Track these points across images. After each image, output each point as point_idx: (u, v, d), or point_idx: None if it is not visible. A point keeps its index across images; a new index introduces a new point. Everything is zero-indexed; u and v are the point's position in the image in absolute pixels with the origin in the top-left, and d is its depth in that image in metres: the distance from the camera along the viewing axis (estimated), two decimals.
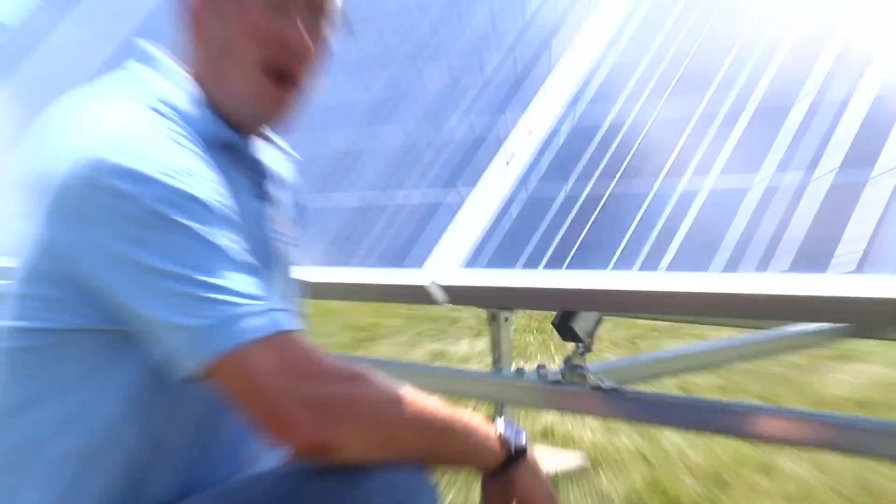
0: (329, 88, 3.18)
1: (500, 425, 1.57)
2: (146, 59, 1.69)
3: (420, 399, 1.48)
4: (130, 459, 1.58)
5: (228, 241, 1.45)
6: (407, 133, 2.77)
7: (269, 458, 1.60)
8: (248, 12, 1.65)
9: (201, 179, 1.47)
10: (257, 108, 1.67)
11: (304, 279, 2.08)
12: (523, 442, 1.61)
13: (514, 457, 1.58)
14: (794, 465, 3.77)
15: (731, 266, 1.89)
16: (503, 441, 1.58)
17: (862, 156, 1.89)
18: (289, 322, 1.42)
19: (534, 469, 1.64)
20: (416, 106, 2.84)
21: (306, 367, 1.42)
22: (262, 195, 1.74)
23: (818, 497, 3.52)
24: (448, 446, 1.55)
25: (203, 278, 1.41)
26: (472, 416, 1.54)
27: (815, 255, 1.80)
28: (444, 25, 3.06)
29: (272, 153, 1.81)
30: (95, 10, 5.28)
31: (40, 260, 1.52)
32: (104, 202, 1.42)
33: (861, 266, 1.73)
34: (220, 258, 1.44)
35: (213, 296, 1.40)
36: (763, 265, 1.84)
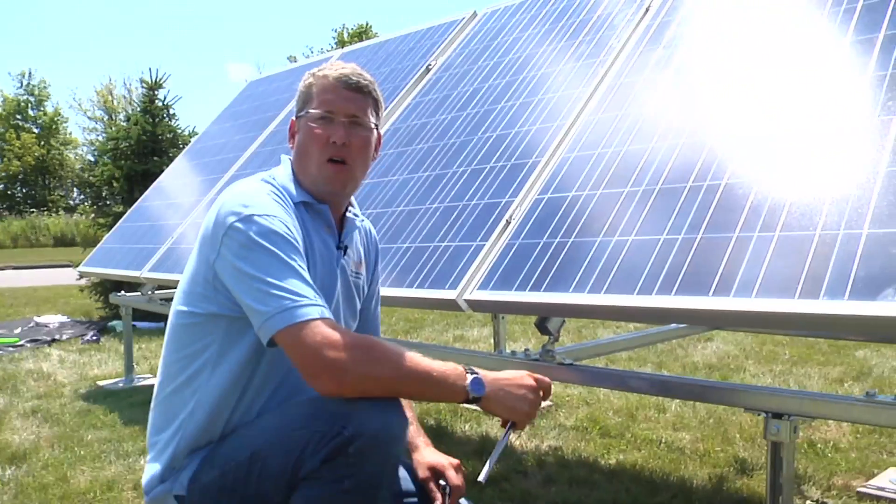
0: (396, 178, 3.20)
1: (468, 377, 1.60)
2: (282, 160, 1.93)
3: (406, 357, 1.57)
4: (245, 389, 1.74)
5: (291, 259, 1.62)
6: (445, 205, 2.86)
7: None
8: (309, 125, 1.82)
9: (281, 222, 1.67)
10: (323, 182, 1.82)
11: (382, 295, 2.06)
12: (481, 392, 1.61)
13: (473, 400, 1.61)
14: (677, 406, 4.12)
15: (646, 290, 2.02)
16: (466, 389, 1.59)
17: (724, 221, 1.91)
18: (322, 313, 1.56)
19: (495, 400, 1.63)
20: (451, 188, 2.93)
21: (328, 340, 1.52)
22: (335, 242, 1.87)
23: (689, 425, 3.81)
24: (424, 389, 1.60)
25: (275, 281, 1.58)
26: (448, 368, 1.61)
27: (697, 284, 1.93)
28: (469, 140, 3.06)
29: (349, 217, 1.93)
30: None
31: (197, 268, 1.74)
32: (228, 233, 1.65)
33: (725, 290, 1.85)
34: (288, 270, 1.61)
35: (279, 293, 1.57)
36: (664, 290, 1.99)
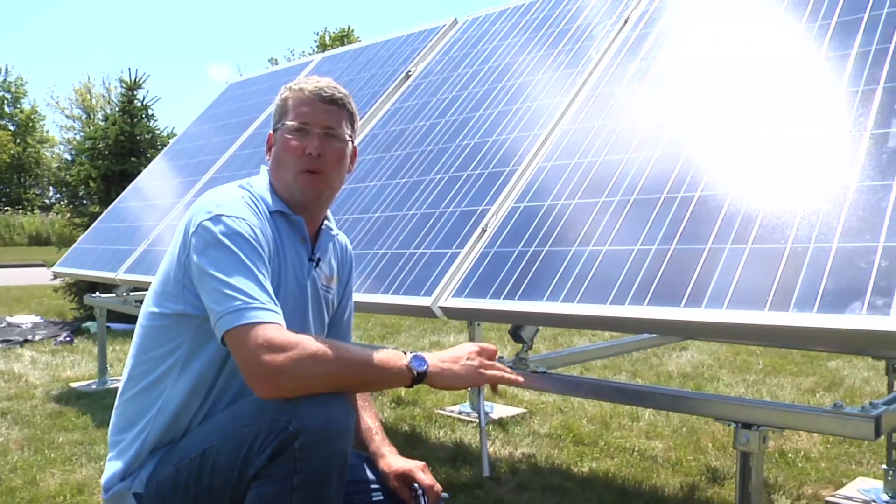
0: (373, 184, 3.21)
1: (408, 356, 1.66)
2: (261, 170, 1.95)
3: (344, 351, 1.60)
4: (209, 390, 1.76)
5: (252, 264, 1.64)
6: (422, 212, 2.87)
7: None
8: (286, 137, 1.85)
9: (249, 226, 1.69)
10: (298, 192, 1.85)
11: (357, 301, 2.07)
12: (424, 367, 1.66)
13: (419, 378, 1.65)
14: (650, 414, 4.15)
15: (619, 300, 2.04)
16: (409, 368, 1.65)
17: (697, 233, 1.93)
18: (272, 318, 1.58)
19: (439, 376, 1.68)
20: (428, 195, 2.95)
21: (268, 344, 1.53)
22: (307, 254, 1.89)
23: (662, 433, 3.84)
24: (365, 379, 1.64)
25: (230, 281, 1.61)
26: (388, 353, 1.65)
27: (669, 295, 1.95)
28: (447, 147, 3.08)
29: (324, 230, 1.96)
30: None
31: (169, 268, 1.77)
32: (197, 231, 1.68)
33: (697, 302, 1.87)
34: (245, 272, 1.63)
35: (232, 293, 1.60)
36: (637, 300, 2.01)
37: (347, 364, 1.59)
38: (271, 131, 1.90)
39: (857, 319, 1.59)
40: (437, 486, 1.82)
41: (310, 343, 1.56)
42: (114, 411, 1.82)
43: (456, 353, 1.74)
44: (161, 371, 1.74)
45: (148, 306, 1.79)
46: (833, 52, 2.26)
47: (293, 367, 1.52)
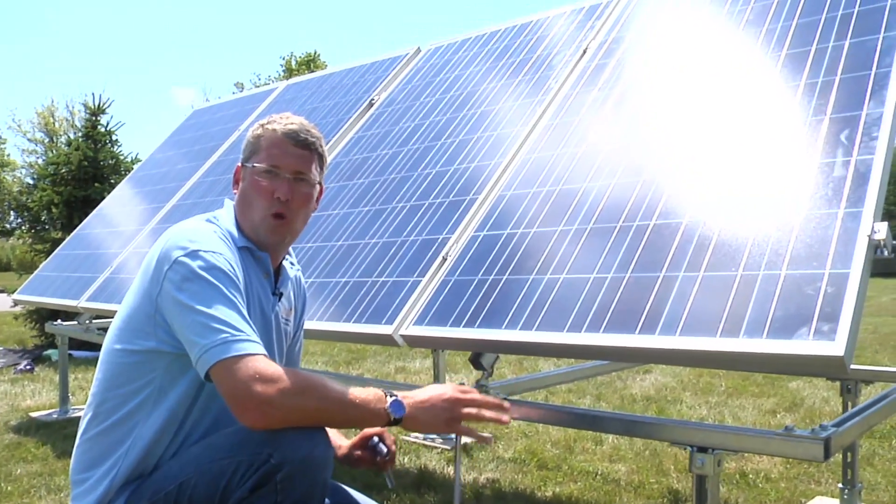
0: (336, 213, 3.23)
1: (388, 400, 1.65)
2: (225, 204, 1.95)
3: (328, 387, 1.60)
4: (182, 424, 1.74)
5: (233, 295, 1.65)
6: (384, 240, 2.88)
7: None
8: (255, 178, 1.85)
9: (226, 260, 1.70)
10: (264, 233, 1.85)
11: (319, 329, 2.08)
12: (401, 414, 1.65)
13: (394, 422, 1.66)
14: (614, 438, 4.19)
15: (575, 328, 2.07)
16: (387, 412, 1.64)
17: (651, 261, 1.99)
18: (257, 349, 1.58)
19: (413, 419, 1.66)
20: (390, 224, 2.96)
21: (259, 375, 1.53)
22: (271, 289, 1.91)
23: (625, 457, 3.89)
24: (347, 416, 1.63)
25: (215, 314, 1.60)
26: (368, 394, 1.64)
27: (625, 322, 1.98)
28: (409, 176, 3.10)
29: (286, 265, 1.99)
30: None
31: (138, 304, 1.74)
32: (172, 267, 1.66)
33: (651, 329, 1.91)
34: (228, 305, 1.63)
35: (218, 326, 1.59)
36: (593, 328, 2.05)
37: (332, 400, 1.59)
38: (240, 164, 1.90)
39: (804, 345, 1.64)
40: (389, 436, 1.87)
41: (297, 376, 1.57)
42: (76, 448, 1.79)
43: (434, 397, 1.69)
44: (131, 407, 1.72)
45: (113, 342, 1.77)
46: (784, 83, 2.33)
47: (284, 399, 1.52)
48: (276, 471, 1.51)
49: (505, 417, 1.76)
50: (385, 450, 1.86)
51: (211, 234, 1.73)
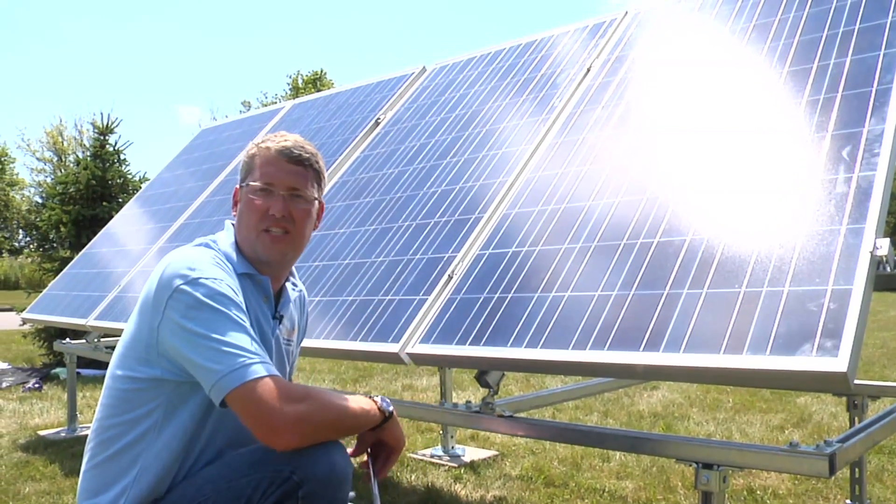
0: (343, 231, 3.25)
1: (378, 399, 1.74)
2: (226, 226, 1.95)
3: (336, 399, 1.64)
4: (191, 449, 1.75)
5: (240, 319, 1.65)
6: (390, 259, 2.90)
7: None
8: (250, 196, 1.85)
9: (228, 286, 1.70)
10: (261, 251, 1.85)
11: (326, 348, 2.09)
12: (390, 408, 1.76)
13: (387, 418, 1.74)
14: (621, 455, 4.18)
15: (580, 345, 2.07)
16: (380, 410, 1.73)
17: (655, 278, 2.00)
18: (269, 370, 1.59)
19: (395, 422, 1.78)
20: (396, 243, 2.98)
21: (284, 395, 1.55)
22: (271, 312, 1.91)
23: (632, 474, 3.87)
24: (355, 425, 1.69)
25: (225, 339, 1.60)
26: (361, 400, 1.71)
27: (629, 339, 1.99)
28: (414, 195, 3.12)
29: (288, 286, 1.98)
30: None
31: (138, 333, 1.73)
32: (174, 296, 1.65)
33: (655, 346, 1.93)
34: (236, 328, 1.64)
35: (231, 350, 1.59)
36: (598, 345, 2.05)
37: (348, 412, 1.63)
38: (238, 186, 1.91)
39: (807, 361, 1.65)
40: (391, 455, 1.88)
41: (311, 391, 1.60)
42: (83, 475, 1.78)
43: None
44: (136, 434, 1.71)
45: (115, 367, 1.77)
46: (786, 100, 2.35)
47: (313, 415, 1.56)
48: (297, 487, 1.54)
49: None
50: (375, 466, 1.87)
51: (209, 260, 1.73)
